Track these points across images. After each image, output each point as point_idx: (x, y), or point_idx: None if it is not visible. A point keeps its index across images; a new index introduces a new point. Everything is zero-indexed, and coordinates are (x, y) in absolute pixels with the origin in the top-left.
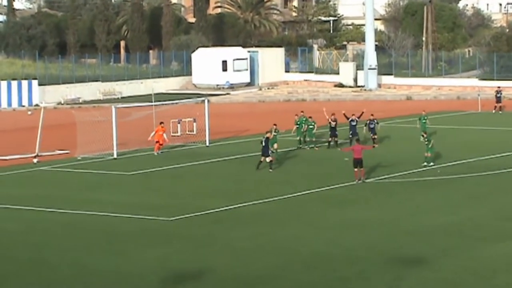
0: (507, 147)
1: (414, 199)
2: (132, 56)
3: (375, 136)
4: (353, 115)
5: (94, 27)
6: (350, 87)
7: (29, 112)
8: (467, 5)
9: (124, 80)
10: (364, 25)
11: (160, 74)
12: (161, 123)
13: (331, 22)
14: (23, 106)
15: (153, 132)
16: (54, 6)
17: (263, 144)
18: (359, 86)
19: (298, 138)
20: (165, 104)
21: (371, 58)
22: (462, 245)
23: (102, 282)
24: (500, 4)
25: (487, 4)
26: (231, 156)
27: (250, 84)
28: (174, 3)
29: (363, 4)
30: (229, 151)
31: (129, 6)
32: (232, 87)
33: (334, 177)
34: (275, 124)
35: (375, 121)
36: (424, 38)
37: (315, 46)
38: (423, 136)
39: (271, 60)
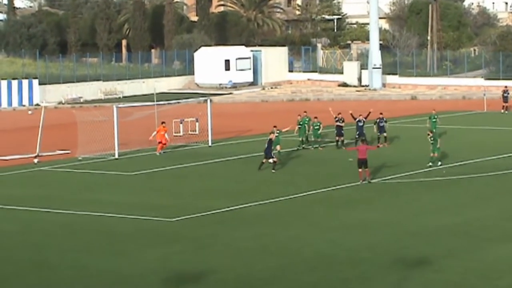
0: None
1: (420, 199)
2: (134, 55)
3: (385, 135)
4: (360, 115)
5: (95, 26)
6: (354, 86)
7: (30, 112)
8: (472, 3)
9: (125, 79)
10: (368, 23)
11: (162, 74)
12: (162, 122)
13: (335, 20)
14: (24, 105)
15: (155, 132)
16: (54, 5)
17: (266, 145)
18: (363, 86)
19: (300, 138)
20: (167, 103)
21: (375, 57)
22: (467, 246)
23: (103, 282)
24: (506, 3)
25: (493, 3)
26: (234, 156)
27: (253, 83)
28: (176, 2)
29: (368, 2)
30: (231, 151)
31: (130, 4)
32: (235, 86)
33: (338, 177)
34: (275, 126)
35: (384, 119)
36: (429, 37)
37: (319, 45)
38: (429, 135)
39: (274, 59)
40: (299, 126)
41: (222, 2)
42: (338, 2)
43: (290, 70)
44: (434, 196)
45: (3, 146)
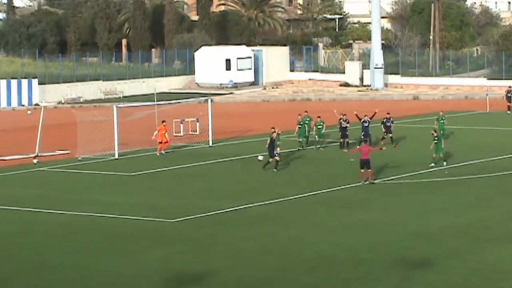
0: None
1: (421, 200)
2: (134, 55)
3: (391, 135)
4: (365, 115)
5: (95, 25)
6: (356, 86)
7: (29, 112)
8: (475, 3)
9: (125, 79)
10: (370, 23)
11: (162, 73)
12: (163, 121)
13: (337, 20)
14: (23, 105)
15: (156, 131)
16: (54, 4)
17: (267, 145)
18: (365, 86)
19: (299, 139)
20: (168, 103)
21: (377, 57)
22: (469, 247)
23: (103, 283)
24: (509, 2)
25: (496, 2)
26: (235, 157)
27: (254, 83)
28: (177, 1)
29: (369, 2)
30: (232, 151)
31: (130, 3)
32: (235, 86)
33: (340, 178)
34: (273, 128)
35: (391, 119)
36: (431, 37)
37: (321, 45)
38: (433, 134)
39: (275, 59)
40: (299, 126)
41: (223, 1)
42: (340, 2)
43: (292, 70)
44: (436, 196)
45: (3, 146)
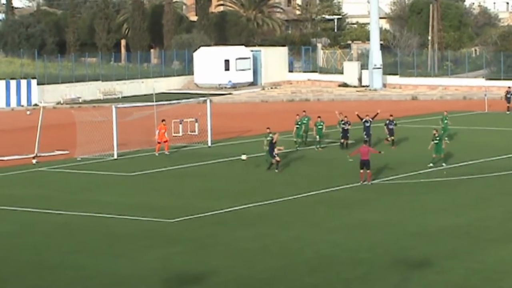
0: None
1: (420, 200)
2: (133, 55)
3: (393, 138)
4: (367, 115)
5: (94, 26)
6: (355, 87)
7: (28, 112)
8: (473, 3)
9: (124, 79)
10: (369, 23)
11: (161, 74)
12: (162, 120)
13: (335, 20)
14: (22, 105)
15: (157, 131)
16: (53, 4)
17: (268, 147)
18: (363, 86)
19: (296, 139)
20: (167, 104)
21: (376, 57)
22: (469, 247)
23: (102, 283)
24: (507, 3)
25: (494, 3)
26: (234, 157)
27: (253, 83)
28: (176, 1)
29: (368, 2)
30: (231, 151)
31: (129, 4)
32: (234, 86)
33: (339, 178)
34: (268, 128)
35: (394, 122)
36: (430, 37)
37: (319, 45)
38: (435, 134)
39: (274, 59)
40: (297, 126)
41: (221, 2)
42: (339, 2)
43: (290, 70)
44: (435, 196)
45: (2, 146)
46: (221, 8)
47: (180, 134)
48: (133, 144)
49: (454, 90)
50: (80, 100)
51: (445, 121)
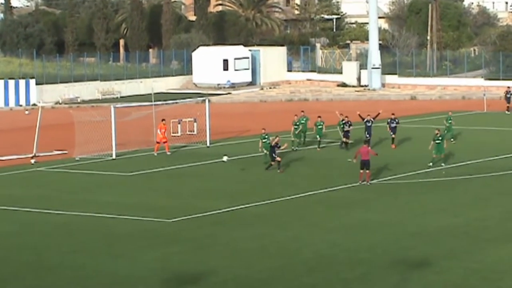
0: None
1: (419, 200)
2: (132, 55)
3: (394, 136)
4: (368, 115)
5: (92, 25)
6: (354, 86)
7: (27, 112)
8: (472, 3)
9: (123, 79)
10: (367, 23)
11: (160, 73)
12: (162, 120)
13: (334, 20)
14: (21, 105)
15: (158, 130)
16: (52, 4)
17: (268, 150)
18: (362, 86)
19: (292, 139)
20: (165, 104)
21: (374, 57)
22: (468, 247)
23: (101, 283)
24: (506, 3)
25: (493, 3)
26: (233, 157)
27: (252, 83)
28: (174, 1)
29: (367, 2)
30: (230, 151)
31: (128, 4)
32: (233, 86)
33: (338, 178)
34: (263, 129)
35: (396, 120)
36: (428, 37)
37: (318, 45)
38: (437, 134)
39: (273, 59)
40: (295, 126)
41: (220, 2)
42: (337, 2)
43: (289, 70)
44: (434, 196)
45: (0, 146)
46: (220, 8)
47: (179, 134)
48: (131, 144)
49: (453, 90)
50: (79, 100)
51: (449, 121)
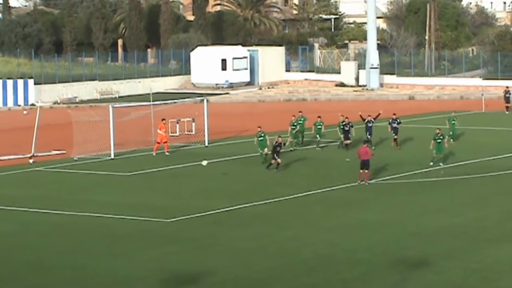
0: None
1: (418, 200)
2: (130, 55)
3: (396, 137)
4: (369, 115)
5: (91, 25)
6: (352, 86)
7: (25, 112)
8: (470, 3)
9: (121, 79)
10: (366, 23)
11: (158, 73)
12: (162, 119)
13: (333, 20)
14: (19, 105)
15: (159, 130)
16: (50, 4)
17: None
18: (360, 86)
19: (289, 139)
20: (164, 103)
21: (373, 57)
22: (467, 247)
23: (100, 283)
24: (504, 2)
25: (491, 2)
26: (231, 157)
27: (250, 83)
28: (173, 1)
29: (365, 2)
30: (228, 151)
31: (126, 3)
32: (231, 86)
33: (336, 178)
34: (259, 127)
35: (398, 120)
36: (427, 37)
37: (316, 45)
38: (437, 133)
39: (271, 59)
40: (293, 127)
41: (218, 2)
42: (336, 2)
43: (287, 70)
44: (433, 196)
45: None
46: (218, 8)
47: (177, 134)
48: (130, 144)
49: (451, 90)
50: (77, 100)
51: (452, 122)
